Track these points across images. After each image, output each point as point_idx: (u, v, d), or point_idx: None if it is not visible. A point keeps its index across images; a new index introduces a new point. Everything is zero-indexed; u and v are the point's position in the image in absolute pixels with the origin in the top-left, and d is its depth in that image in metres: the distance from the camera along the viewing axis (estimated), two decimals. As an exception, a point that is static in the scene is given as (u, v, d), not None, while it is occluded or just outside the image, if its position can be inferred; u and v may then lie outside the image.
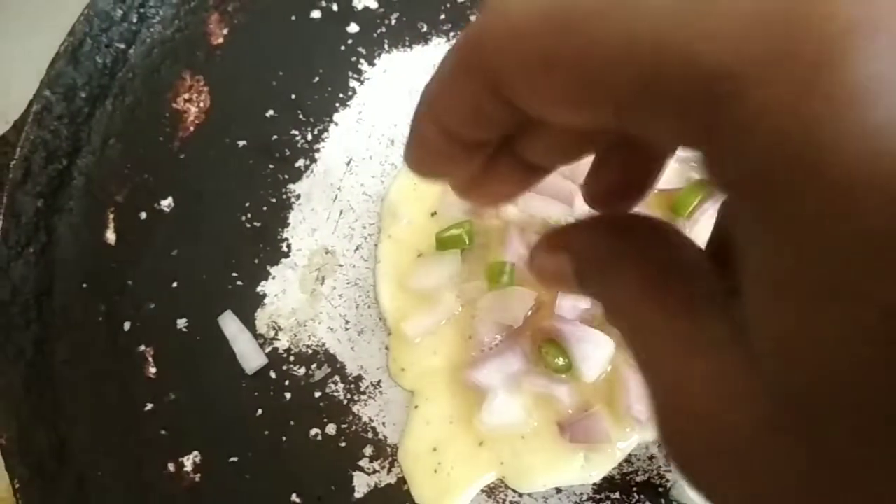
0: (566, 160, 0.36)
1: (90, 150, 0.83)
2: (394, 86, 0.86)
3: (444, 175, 0.37)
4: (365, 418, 0.75)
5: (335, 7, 0.88)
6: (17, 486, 0.71)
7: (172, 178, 0.83)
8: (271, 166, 0.83)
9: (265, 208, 0.82)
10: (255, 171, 0.83)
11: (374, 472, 0.73)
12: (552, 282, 0.39)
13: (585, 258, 0.35)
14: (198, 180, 0.83)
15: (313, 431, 0.75)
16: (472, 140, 0.34)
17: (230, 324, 0.78)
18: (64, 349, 0.78)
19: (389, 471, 0.73)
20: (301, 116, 0.85)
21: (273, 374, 0.77)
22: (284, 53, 0.87)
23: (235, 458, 0.74)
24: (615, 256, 0.33)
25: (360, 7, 0.88)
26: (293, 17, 0.88)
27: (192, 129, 0.85)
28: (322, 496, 0.73)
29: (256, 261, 0.80)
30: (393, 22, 0.87)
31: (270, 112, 0.85)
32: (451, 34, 0.87)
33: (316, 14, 0.88)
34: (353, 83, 0.86)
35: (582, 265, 0.35)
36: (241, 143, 0.84)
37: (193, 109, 0.85)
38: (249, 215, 0.82)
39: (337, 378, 0.77)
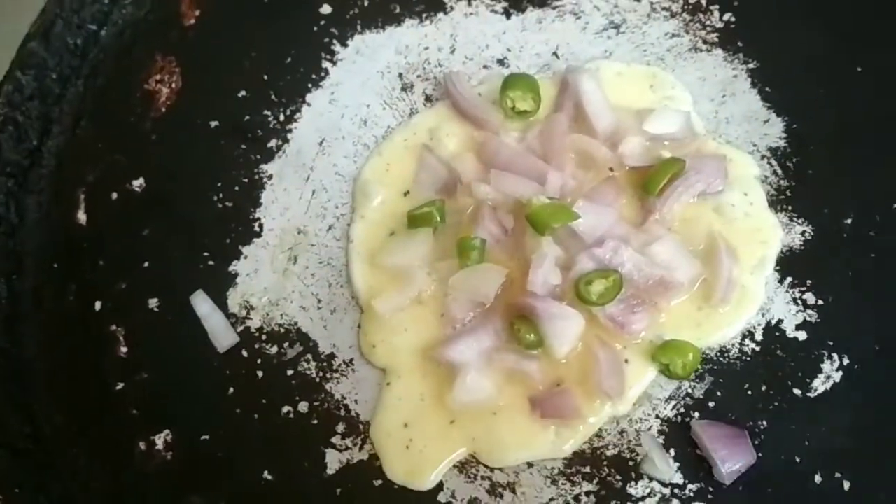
0: None
1: (61, 131, 0.83)
2: (367, 66, 0.86)
3: None
4: (337, 396, 0.75)
5: (308, -12, 0.88)
6: (-14, 465, 0.71)
7: (144, 158, 0.83)
8: (243, 146, 0.83)
9: (237, 188, 0.82)
10: (227, 152, 0.83)
11: (347, 448, 0.73)
12: None
13: None
14: (169, 161, 0.83)
15: (285, 409, 0.75)
16: None
17: (202, 303, 0.78)
18: (35, 329, 0.78)
19: (362, 447, 0.73)
20: (273, 97, 0.85)
21: (245, 353, 0.77)
22: (257, 34, 0.87)
23: (207, 437, 0.74)
24: None
25: (332, -12, 0.88)
26: (266, -1, 0.88)
27: (163, 109, 0.85)
28: (294, 473, 0.73)
29: (228, 240, 0.80)
30: (366, 3, 0.88)
31: (242, 93, 0.85)
32: (424, 15, 0.87)
33: (289, -5, 0.88)
34: (325, 64, 0.86)
35: None
36: (213, 123, 0.84)
37: (165, 90, 0.85)
38: (221, 195, 0.81)
39: (309, 356, 0.76)
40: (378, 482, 0.72)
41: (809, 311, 0.75)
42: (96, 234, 0.81)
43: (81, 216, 0.81)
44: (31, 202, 0.81)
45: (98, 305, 0.78)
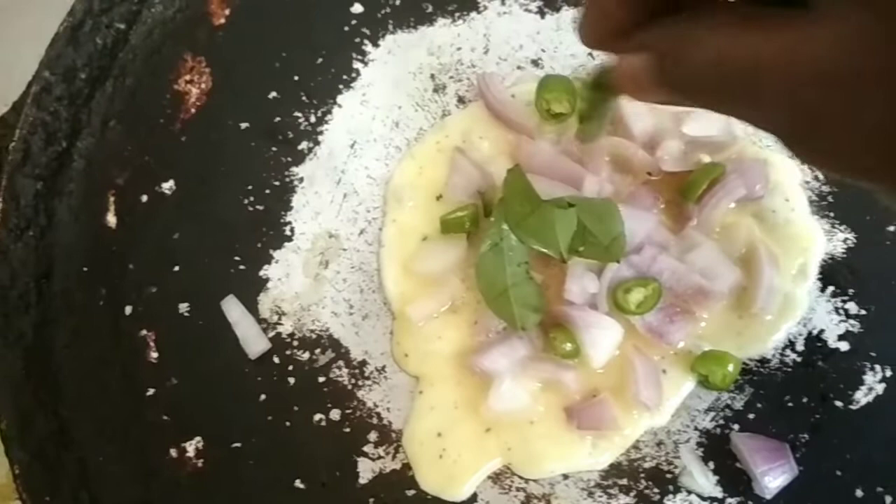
0: None
1: (90, 132, 0.82)
2: (398, 67, 0.85)
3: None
4: (369, 404, 0.74)
5: (339, -13, 0.87)
6: (16, 471, 0.70)
7: (174, 160, 0.82)
8: (274, 149, 0.82)
9: (268, 191, 0.81)
10: (257, 154, 0.82)
11: (379, 457, 0.73)
12: (633, 86, 0.44)
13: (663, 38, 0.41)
14: (199, 163, 0.82)
15: (317, 417, 0.74)
16: None
17: (233, 308, 0.77)
18: (64, 333, 0.77)
19: (394, 456, 0.73)
20: (304, 98, 0.83)
21: (276, 359, 0.76)
22: (287, 34, 0.85)
23: (238, 444, 0.73)
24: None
25: (363, -13, 0.87)
26: (296, -3, 0.87)
27: (193, 110, 0.83)
28: (326, 482, 0.72)
29: (259, 244, 0.79)
30: (397, 2, 0.86)
31: (273, 94, 0.84)
32: (457, 14, 0.86)
33: (319, -6, 0.87)
34: (356, 64, 0.85)
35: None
36: (244, 125, 0.83)
37: (195, 91, 0.84)
38: (252, 198, 0.80)
39: (341, 363, 0.76)
40: (411, 492, 0.71)
41: (852, 321, 0.74)
42: (126, 237, 0.80)
43: (111, 219, 0.80)
44: (60, 205, 0.80)
45: (128, 310, 0.77)
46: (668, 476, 0.70)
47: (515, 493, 0.71)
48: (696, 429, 0.71)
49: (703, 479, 0.69)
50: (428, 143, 0.82)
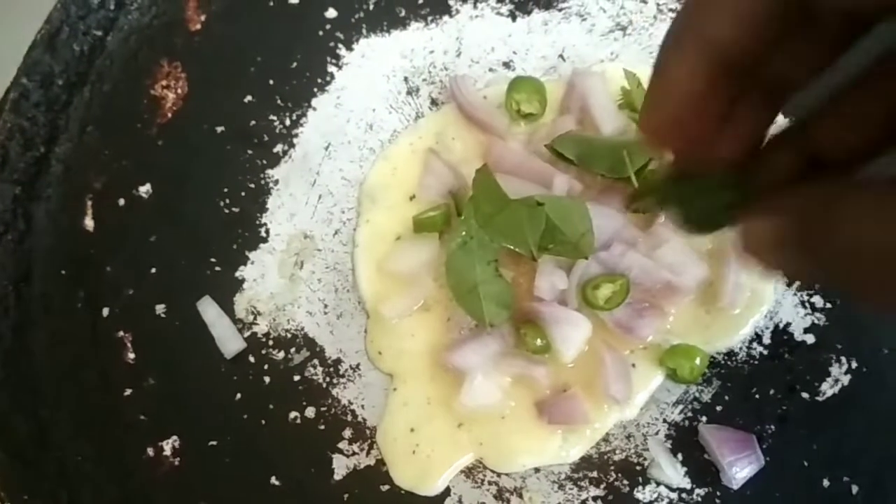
0: (813, 70, 0.37)
1: (68, 138, 0.83)
2: (372, 71, 0.86)
3: (688, 130, 0.38)
4: (344, 401, 0.75)
5: (313, -8, 0.88)
6: (-5, 471, 0.71)
7: (150, 164, 0.83)
8: (249, 152, 0.83)
9: (243, 194, 0.82)
10: (233, 157, 0.83)
11: (354, 454, 0.74)
12: (763, 253, 0.36)
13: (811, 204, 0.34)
14: (176, 166, 0.83)
15: (292, 415, 0.75)
16: (740, 55, 0.35)
17: (209, 309, 0.78)
18: (43, 335, 0.78)
19: (369, 453, 0.74)
20: (279, 102, 0.85)
21: (252, 359, 0.77)
22: (262, 39, 0.87)
23: (215, 442, 0.74)
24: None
25: (337, -8, 0.88)
26: (271, 3, 0.88)
27: (169, 115, 0.85)
28: (302, 479, 0.73)
29: (235, 246, 0.80)
30: (371, 7, 0.87)
31: (248, 98, 0.85)
32: (430, 18, 0.87)
33: (294, -1, 0.88)
34: (331, 68, 0.86)
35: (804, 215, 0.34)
36: (220, 128, 0.84)
37: (171, 96, 0.85)
38: (228, 201, 0.82)
39: (316, 362, 0.77)
40: (385, 487, 0.72)
41: (818, 315, 0.75)
42: (104, 240, 0.81)
43: (89, 223, 0.81)
44: (38, 209, 0.81)
45: (106, 312, 0.78)
46: (638, 468, 0.71)
47: (488, 487, 0.72)
48: (664, 421, 0.73)
49: (671, 471, 0.70)
50: (401, 145, 0.83)
